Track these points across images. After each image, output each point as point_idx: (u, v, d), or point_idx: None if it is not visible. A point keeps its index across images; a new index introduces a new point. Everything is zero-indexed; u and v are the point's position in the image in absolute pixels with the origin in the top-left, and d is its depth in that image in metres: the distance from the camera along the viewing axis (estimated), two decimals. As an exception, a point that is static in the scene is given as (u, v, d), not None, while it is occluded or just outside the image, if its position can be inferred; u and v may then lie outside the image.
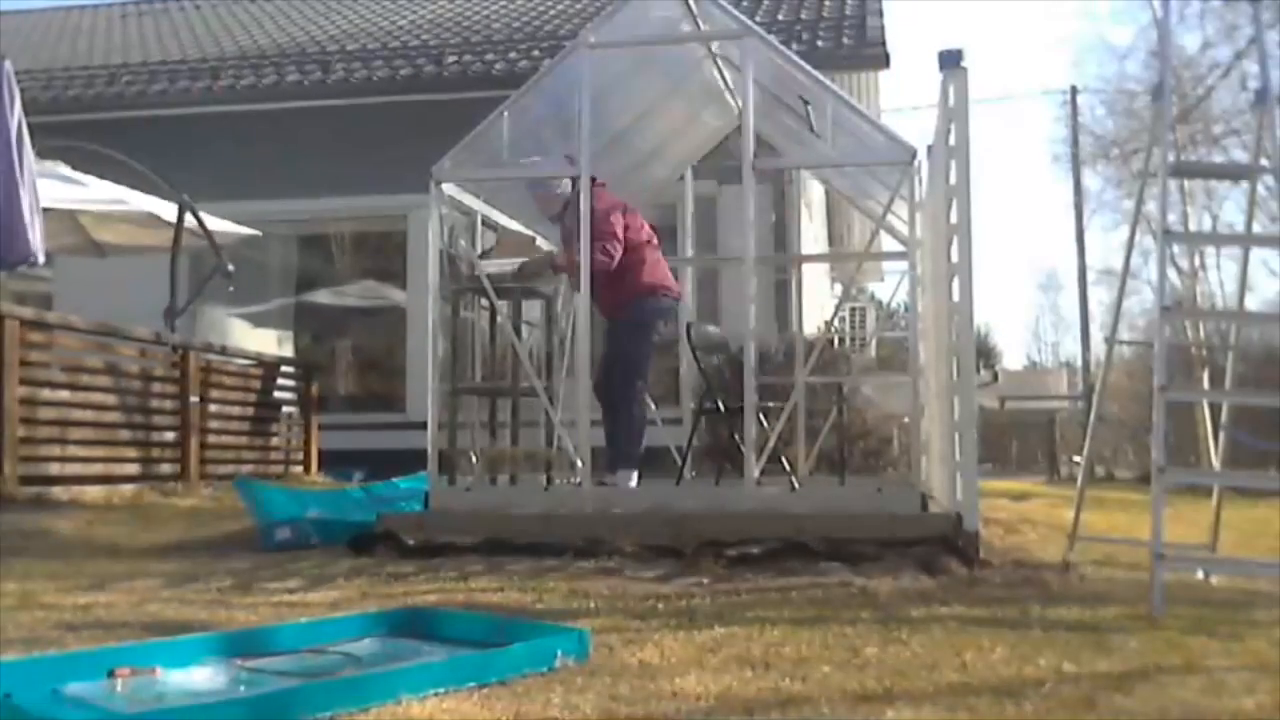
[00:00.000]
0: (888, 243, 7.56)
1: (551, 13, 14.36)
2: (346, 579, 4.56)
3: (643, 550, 4.94)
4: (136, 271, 9.99)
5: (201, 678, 2.76)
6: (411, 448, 6.53)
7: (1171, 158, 4.31)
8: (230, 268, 9.19)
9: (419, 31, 14.10)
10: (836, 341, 11.91)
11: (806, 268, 11.34)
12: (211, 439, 8.87)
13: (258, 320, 12.24)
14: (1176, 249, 12.93)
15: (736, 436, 6.06)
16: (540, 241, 7.57)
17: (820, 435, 7.81)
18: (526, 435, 7.36)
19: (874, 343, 14.70)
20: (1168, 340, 4.16)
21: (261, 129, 11.92)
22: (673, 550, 4.92)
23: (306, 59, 13.13)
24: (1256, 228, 5.43)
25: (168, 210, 8.83)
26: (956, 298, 5.22)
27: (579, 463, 5.86)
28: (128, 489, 7.71)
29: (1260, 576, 4.34)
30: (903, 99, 26.73)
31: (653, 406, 7.77)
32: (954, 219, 5.23)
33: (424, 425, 6.04)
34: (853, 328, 15.91)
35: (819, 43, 11.93)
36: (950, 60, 5.23)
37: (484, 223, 6.83)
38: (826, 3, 13.31)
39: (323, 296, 12.71)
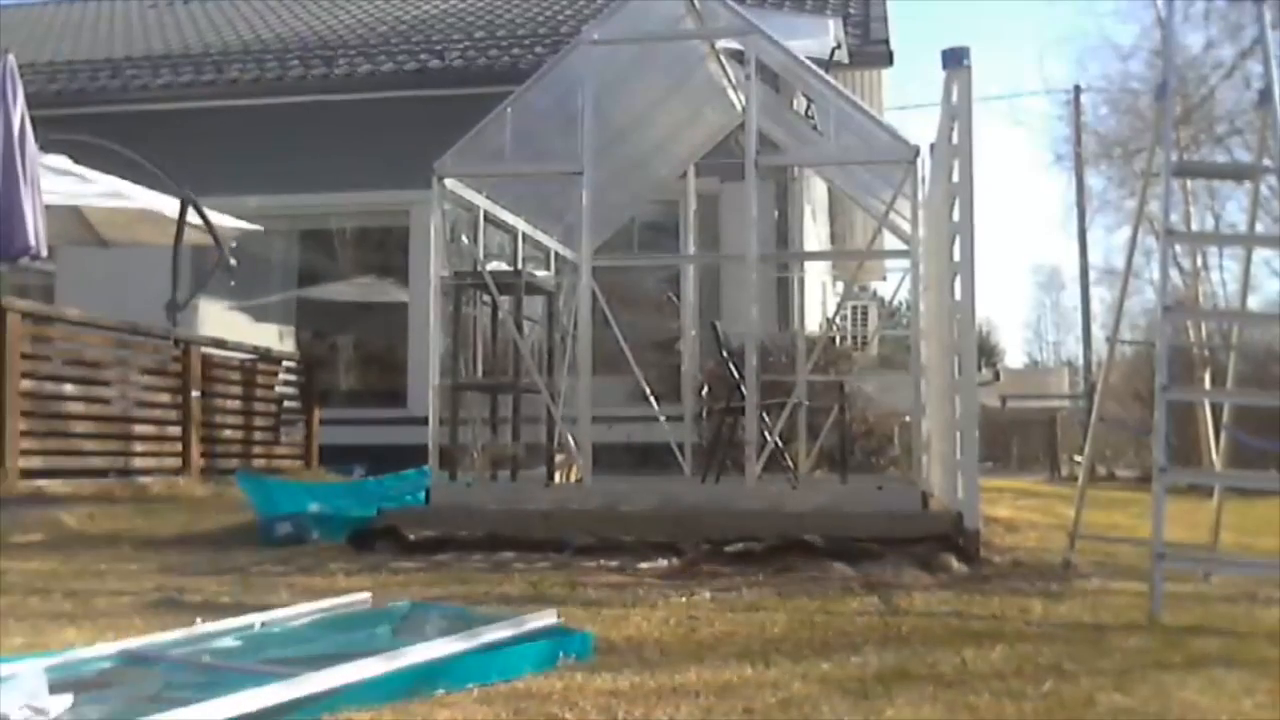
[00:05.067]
0: (890, 241, 7.56)
1: (555, 8, 14.36)
2: (347, 574, 4.57)
3: (645, 547, 4.95)
4: (138, 265, 9.99)
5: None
6: (413, 443, 6.54)
7: (1174, 157, 4.30)
8: (232, 262, 9.19)
9: (422, 26, 14.10)
10: (838, 339, 11.90)
11: (808, 265, 11.34)
12: (213, 433, 8.88)
13: (259, 314, 12.24)
14: (1179, 249, 12.89)
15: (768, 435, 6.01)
16: (542, 238, 7.58)
17: (821, 433, 7.81)
18: (528, 431, 7.37)
19: (875, 341, 14.69)
20: (1169, 340, 4.15)
21: (265, 123, 11.92)
22: (674, 547, 4.93)
23: (310, 53, 13.13)
24: (1259, 228, 5.42)
25: (169, 205, 8.82)
26: (958, 296, 5.22)
27: (580, 460, 5.87)
28: (129, 482, 7.71)
29: (1260, 576, 4.33)
30: (906, 97, 26.68)
31: (655, 404, 7.79)
32: (956, 217, 5.23)
33: (425, 420, 6.05)
34: (854, 326, 15.89)
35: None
36: (954, 59, 5.23)
37: (486, 218, 6.84)
38: (830, 1, 13.30)
39: (324, 291, 12.71)
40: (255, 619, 3.16)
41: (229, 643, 3.01)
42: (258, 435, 9.62)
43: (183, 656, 2.82)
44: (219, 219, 9.12)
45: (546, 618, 3.13)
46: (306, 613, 3.34)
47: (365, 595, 3.62)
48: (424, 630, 3.25)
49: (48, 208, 7.15)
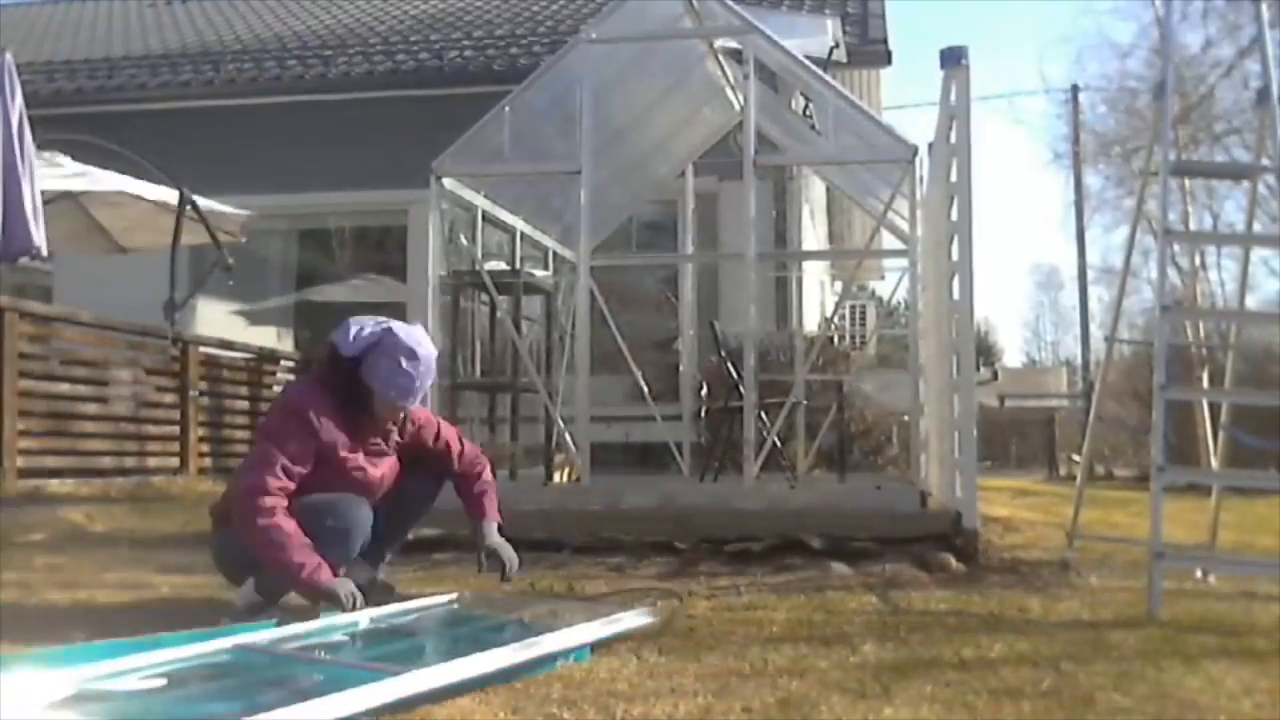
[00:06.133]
0: (888, 240, 7.58)
1: (554, 8, 14.35)
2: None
3: (643, 547, 4.94)
4: (136, 265, 9.97)
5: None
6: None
7: (1172, 156, 4.30)
8: (230, 261, 9.18)
9: (420, 26, 14.09)
10: (836, 339, 11.90)
11: (807, 265, 11.35)
12: (210, 432, 8.88)
13: (257, 314, 12.23)
14: (1177, 248, 12.88)
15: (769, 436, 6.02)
16: (539, 237, 7.58)
17: (820, 433, 7.82)
18: (526, 431, 7.37)
19: (874, 340, 14.70)
20: (1168, 339, 4.16)
21: (262, 122, 11.91)
22: (673, 547, 4.93)
23: (307, 52, 13.12)
24: (1257, 227, 5.42)
25: (170, 196, 8.79)
26: (956, 295, 5.22)
27: (579, 459, 5.87)
28: (126, 481, 7.71)
29: (1259, 575, 4.34)
30: (904, 96, 26.66)
31: (654, 404, 7.80)
32: (955, 216, 5.23)
33: (423, 420, 6.03)
34: (853, 325, 15.90)
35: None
36: (952, 58, 5.23)
37: (485, 218, 6.84)
38: (828, 0, 13.29)
39: (323, 291, 12.70)
40: (361, 615, 3.25)
41: (337, 638, 3.12)
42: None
43: (294, 652, 2.92)
44: (219, 207, 9.08)
45: (643, 616, 3.28)
46: (405, 611, 3.45)
47: (454, 595, 3.71)
48: (513, 628, 3.31)
49: (50, 203, 7.12)
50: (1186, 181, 12.71)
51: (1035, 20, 54.48)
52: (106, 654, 2.71)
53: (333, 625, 3.18)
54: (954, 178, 5.23)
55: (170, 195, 8.69)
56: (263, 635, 3.00)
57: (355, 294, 12.54)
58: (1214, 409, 8.86)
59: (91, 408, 7.71)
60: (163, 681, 2.61)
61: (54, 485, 7.12)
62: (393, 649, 3.08)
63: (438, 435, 3.75)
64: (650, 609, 3.40)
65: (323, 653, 2.95)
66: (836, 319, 13.18)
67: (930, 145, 6.37)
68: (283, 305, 12.74)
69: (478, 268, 6.56)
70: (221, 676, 2.72)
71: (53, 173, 8.12)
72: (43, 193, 6.97)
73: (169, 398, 8.40)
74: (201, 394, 8.68)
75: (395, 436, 3.61)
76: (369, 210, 12.30)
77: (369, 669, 2.58)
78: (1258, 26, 4.85)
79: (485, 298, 6.93)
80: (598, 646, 3.01)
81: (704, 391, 8.55)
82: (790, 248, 10.70)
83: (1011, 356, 40.08)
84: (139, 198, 8.71)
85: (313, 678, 2.66)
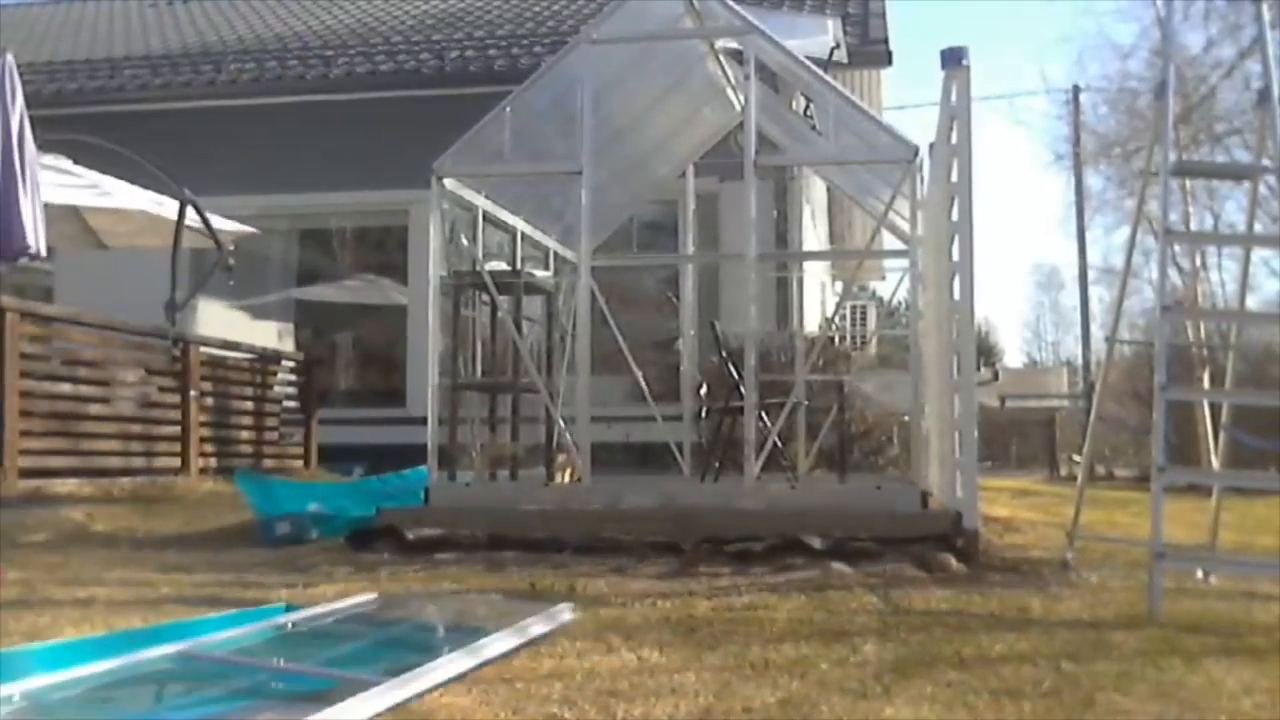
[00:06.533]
0: (889, 240, 7.57)
1: (555, 8, 14.36)
2: (345, 573, 4.57)
3: (644, 546, 4.95)
4: (137, 265, 9.98)
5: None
6: (412, 443, 6.54)
7: (1173, 157, 4.30)
8: (231, 262, 9.19)
9: (421, 26, 14.10)
10: (837, 339, 11.91)
11: (807, 265, 11.35)
12: (212, 432, 8.88)
13: (258, 314, 12.23)
14: (1177, 248, 12.86)
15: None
16: (540, 237, 7.59)
17: (820, 433, 7.81)
18: (527, 431, 7.38)
19: (874, 340, 14.70)
20: (1168, 339, 4.16)
21: (264, 123, 11.91)
22: (673, 547, 4.93)
23: (309, 53, 13.12)
24: (1258, 227, 5.43)
25: (167, 208, 8.81)
26: (957, 296, 5.23)
27: (579, 459, 5.87)
28: (128, 482, 7.71)
29: (1259, 575, 4.34)
30: (905, 96, 26.66)
31: (654, 404, 7.80)
32: (955, 217, 5.23)
33: (424, 420, 6.05)
34: (853, 325, 15.91)
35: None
36: (952, 59, 5.23)
37: (485, 218, 6.84)
38: (829, 0, 13.29)
39: (323, 291, 12.70)
40: (286, 619, 3.27)
41: (270, 640, 3.12)
42: (257, 435, 9.62)
43: (238, 656, 2.91)
44: (217, 222, 9.12)
45: (565, 613, 3.32)
46: (329, 612, 3.45)
47: (374, 595, 3.71)
48: (436, 628, 3.32)
49: (46, 206, 7.14)
50: (1187, 182, 12.71)
51: (1036, 20, 54.44)
52: (48, 661, 2.66)
53: (260, 628, 3.18)
54: (954, 178, 5.23)
55: (169, 205, 8.70)
56: (198, 641, 2.96)
57: (356, 294, 12.55)
58: (1214, 409, 8.86)
59: (93, 408, 7.70)
60: (113, 694, 2.56)
61: (54, 485, 7.12)
62: (336, 653, 3.08)
63: None
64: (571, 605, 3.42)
65: (282, 660, 2.93)
66: (837, 319, 13.18)
67: (931, 145, 6.37)
68: (284, 305, 12.74)
69: (478, 268, 6.56)
70: (193, 686, 2.68)
71: (67, 181, 8.14)
72: (46, 205, 6.98)
73: (170, 398, 8.40)
74: (202, 394, 8.68)
75: None
76: (369, 210, 12.30)
77: (329, 676, 2.56)
78: (1258, 27, 4.85)
79: (486, 298, 6.93)
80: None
81: (704, 392, 8.55)
82: (791, 248, 10.70)
83: (1012, 357, 40.11)
84: (156, 216, 8.74)
85: (278, 685, 2.63)
